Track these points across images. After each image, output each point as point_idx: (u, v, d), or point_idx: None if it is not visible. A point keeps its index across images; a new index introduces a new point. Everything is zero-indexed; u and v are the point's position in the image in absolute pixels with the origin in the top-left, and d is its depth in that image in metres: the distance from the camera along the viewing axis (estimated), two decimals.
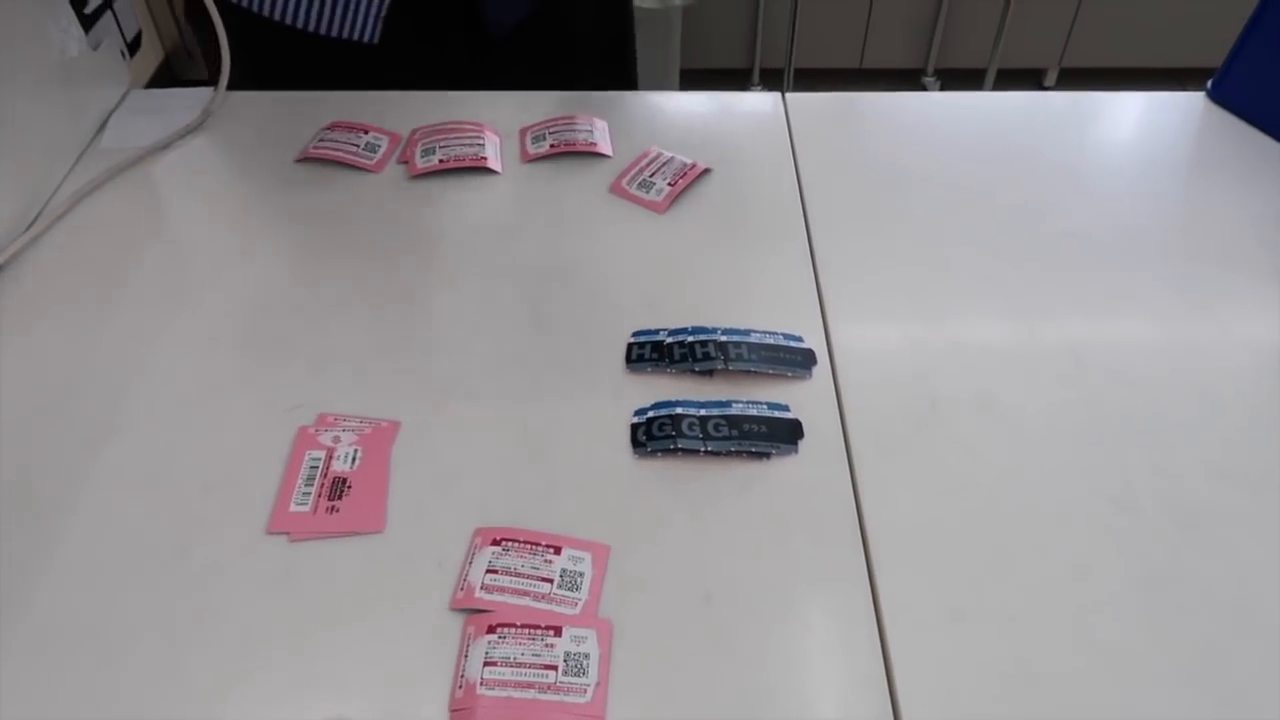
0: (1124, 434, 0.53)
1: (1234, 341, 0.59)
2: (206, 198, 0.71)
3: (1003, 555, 0.47)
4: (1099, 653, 0.44)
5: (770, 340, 0.56)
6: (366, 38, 0.81)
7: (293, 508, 0.49)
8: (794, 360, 0.56)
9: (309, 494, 0.49)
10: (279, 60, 0.85)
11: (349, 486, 0.49)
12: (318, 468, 0.50)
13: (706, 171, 0.70)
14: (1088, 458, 0.52)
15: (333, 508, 0.49)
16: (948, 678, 0.43)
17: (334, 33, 0.80)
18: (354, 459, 0.51)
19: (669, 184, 0.69)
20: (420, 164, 0.71)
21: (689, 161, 0.71)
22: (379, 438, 0.52)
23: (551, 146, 0.73)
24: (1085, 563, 0.47)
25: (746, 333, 0.57)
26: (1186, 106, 0.80)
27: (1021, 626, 0.44)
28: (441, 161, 0.71)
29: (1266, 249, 0.66)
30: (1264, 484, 0.50)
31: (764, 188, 0.70)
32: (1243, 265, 0.64)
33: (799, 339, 0.57)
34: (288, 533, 0.48)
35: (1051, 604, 0.45)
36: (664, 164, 0.71)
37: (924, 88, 2.44)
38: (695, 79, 2.37)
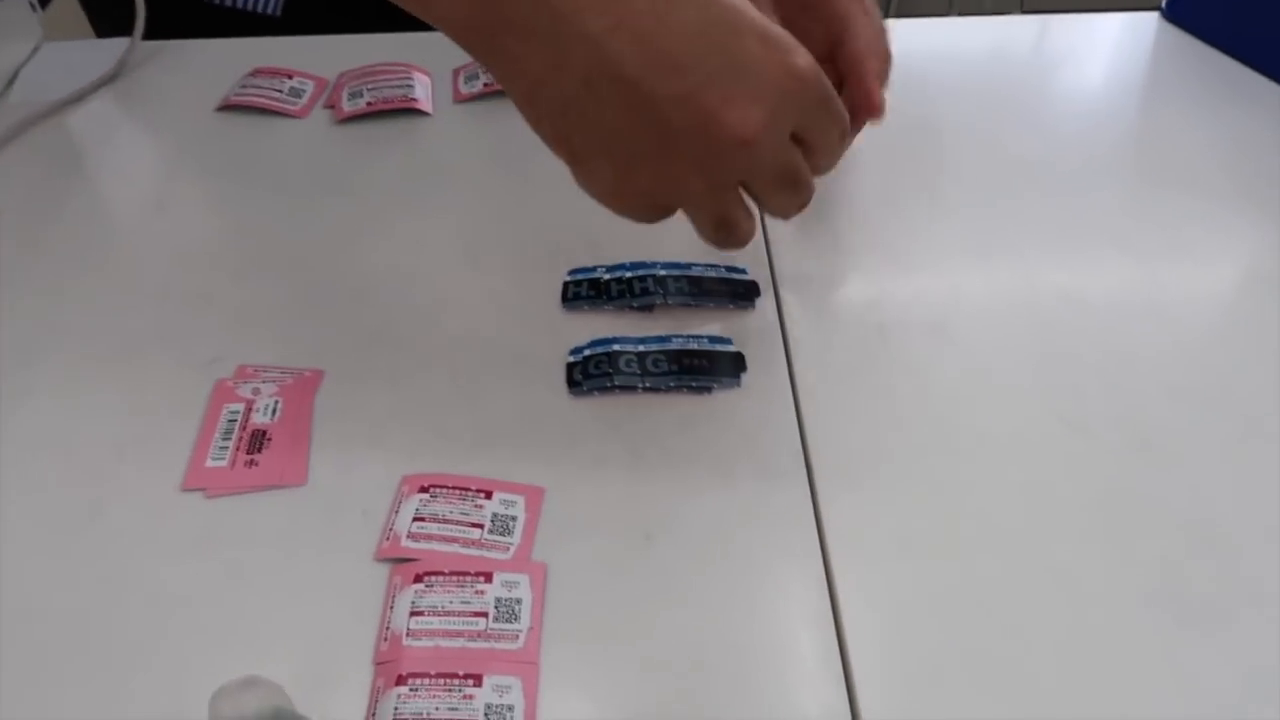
0: (1078, 357, 0.51)
1: (1192, 262, 0.57)
2: (123, 150, 0.67)
3: (952, 482, 0.45)
4: (1052, 576, 0.42)
5: (712, 274, 0.54)
6: (270, 10, 0.77)
7: (209, 463, 0.46)
8: (737, 292, 0.53)
9: (226, 448, 0.47)
10: (197, 9, 0.81)
11: (269, 439, 0.47)
12: (236, 421, 0.48)
13: None
14: (1042, 382, 0.50)
15: (251, 461, 0.46)
16: (896, 609, 0.41)
17: (237, 4, 0.76)
18: (274, 410, 0.48)
19: None
20: (347, 108, 0.67)
21: None
22: (301, 388, 0.49)
23: (485, 85, 0.69)
24: (1040, 488, 0.45)
25: (688, 266, 0.54)
26: (1141, 27, 0.78)
27: (972, 553, 0.43)
28: (369, 104, 0.67)
29: (1224, 171, 0.64)
30: (1218, 403, 0.49)
31: None
32: (1199, 187, 0.62)
33: (742, 270, 0.55)
34: (204, 489, 0.45)
35: (1002, 528, 0.44)
36: None
37: None
38: None
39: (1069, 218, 0.60)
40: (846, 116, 0.42)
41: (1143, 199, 0.62)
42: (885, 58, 0.51)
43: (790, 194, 0.44)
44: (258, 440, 0.47)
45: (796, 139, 0.42)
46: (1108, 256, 0.57)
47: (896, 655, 0.40)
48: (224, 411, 0.48)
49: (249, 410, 0.48)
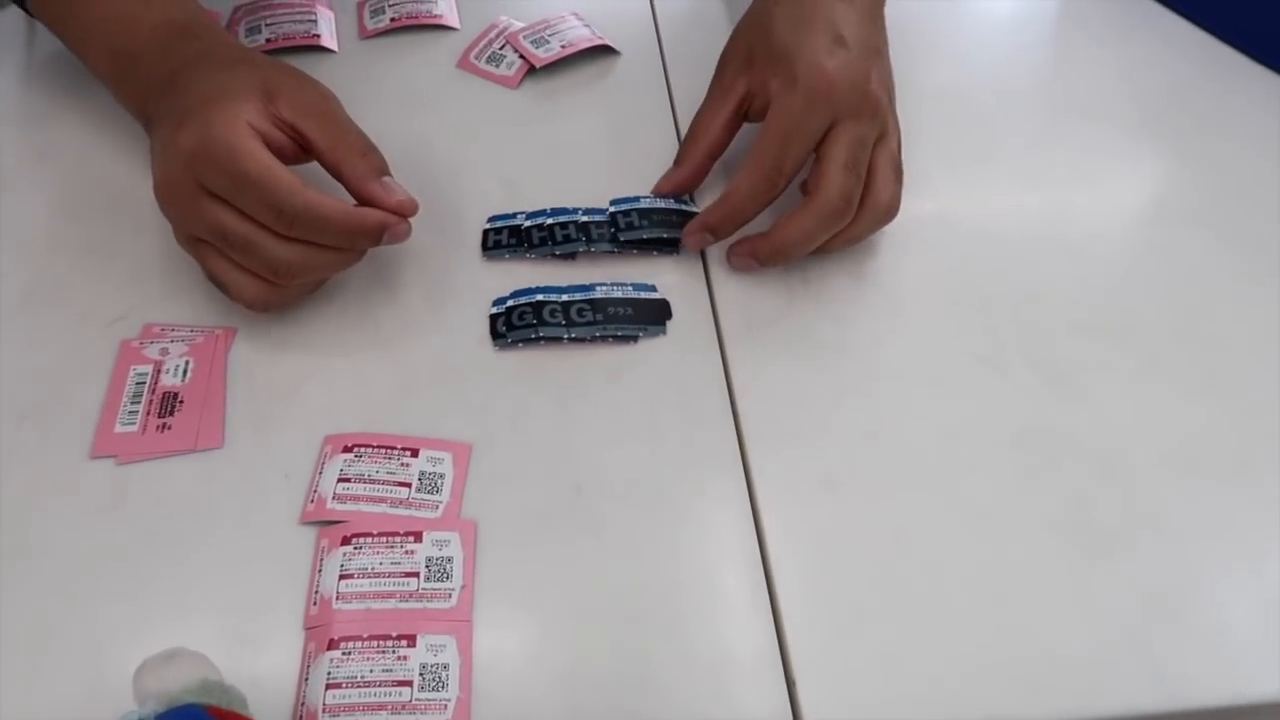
0: (993, 294, 0.52)
1: (1101, 197, 0.58)
2: (1, 91, 0.62)
3: (874, 422, 0.46)
4: (970, 512, 0.44)
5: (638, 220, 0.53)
6: None
7: (118, 428, 0.44)
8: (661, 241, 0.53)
9: (136, 412, 0.45)
10: None
11: (181, 401, 0.45)
12: (144, 383, 0.46)
13: (609, 50, 0.65)
14: (958, 320, 0.51)
15: (164, 425, 0.44)
16: (821, 548, 0.42)
17: None
18: (185, 371, 0.46)
19: (561, 47, 0.63)
20: (245, 44, 0.64)
21: (591, 34, 0.65)
22: (212, 346, 0.48)
23: (392, 20, 0.66)
24: (956, 424, 0.47)
25: (605, 211, 0.53)
26: None
27: (893, 492, 0.44)
28: (269, 41, 0.64)
29: (1133, 103, 0.65)
30: (1127, 336, 0.51)
31: (624, 58, 0.66)
32: (1110, 121, 0.63)
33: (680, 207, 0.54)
34: (114, 456, 0.44)
35: (922, 467, 0.45)
36: (558, 27, 0.65)
37: None
38: None
39: (980, 151, 0.61)
40: (270, 196, 0.42)
41: (1053, 132, 0.63)
42: (365, 170, 0.47)
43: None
44: (169, 403, 0.45)
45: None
46: (1018, 191, 0.59)
47: (822, 592, 0.41)
48: (131, 373, 0.46)
49: (158, 371, 0.46)
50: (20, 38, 0.66)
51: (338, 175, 0.47)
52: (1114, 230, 0.57)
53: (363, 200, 0.46)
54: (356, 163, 0.46)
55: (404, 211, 0.46)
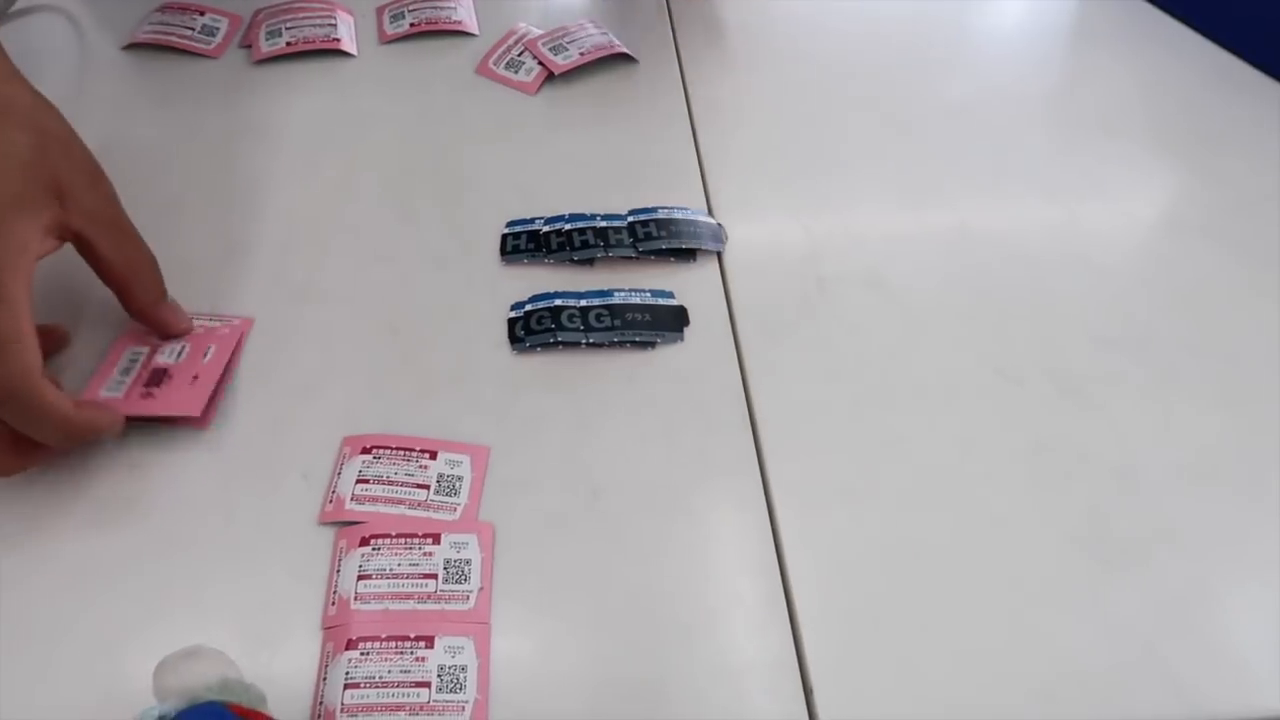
0: (1010, 306, 0.53)
1: (1117, 210, 0.59)
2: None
3: (890, 432, 0.47)
4: (985, 523, 0.43)
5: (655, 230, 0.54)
6: None
7: (103, 393, 0.44)
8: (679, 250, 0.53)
9: (123, 383, 0.45)
10: None
11: (170, 377, 0.45)
12: (138, 360, 0.46)
13: (627, 57, 0.65)
14: (975, 332, 0.51)
15: (147, 394, 0.44)
16: (839, 558, 0.42)
17: None
18: (180, 354, 0.46)
19: (580, 54, 0.63)
20: (265, 48, 0.64)
21: (608, 40, 0.65)
22: (218, 335, 0.48)
23: (412, 25, 0.67)
24: (971, 435, 0.47)
25: (624, 217, 0.54)
26: None
27: (910, 502, 0.44)
28: (289, 44, 0.64)
29: (1148, 117, 0.66)
30: (1144, 349, 0.51)
31: (642, 65, 0.66)
32: (1125, 134, 0.64)
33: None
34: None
35: (938, 478, 0.45)
36: (577, 35, 0.65)
37: None
38: None
39: (998, 164, 0.61)
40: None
41: (1069, 145, 0.63)
42: (157, 290, 0.45)
43: None
44: (157, 377, 0.45)
45: None
46: (1035, 204, 0.59)
47: (839, 601, 0.41)
48: (126, 351, 0.46)
49: (153, 352, 0.46)
50: (43, 30, 0.67)
51: (125, 294, 0.43)
52: (1129, 243, 0.57)
53: (151, 323, 0.45)
54: (148, 283, 0.43)
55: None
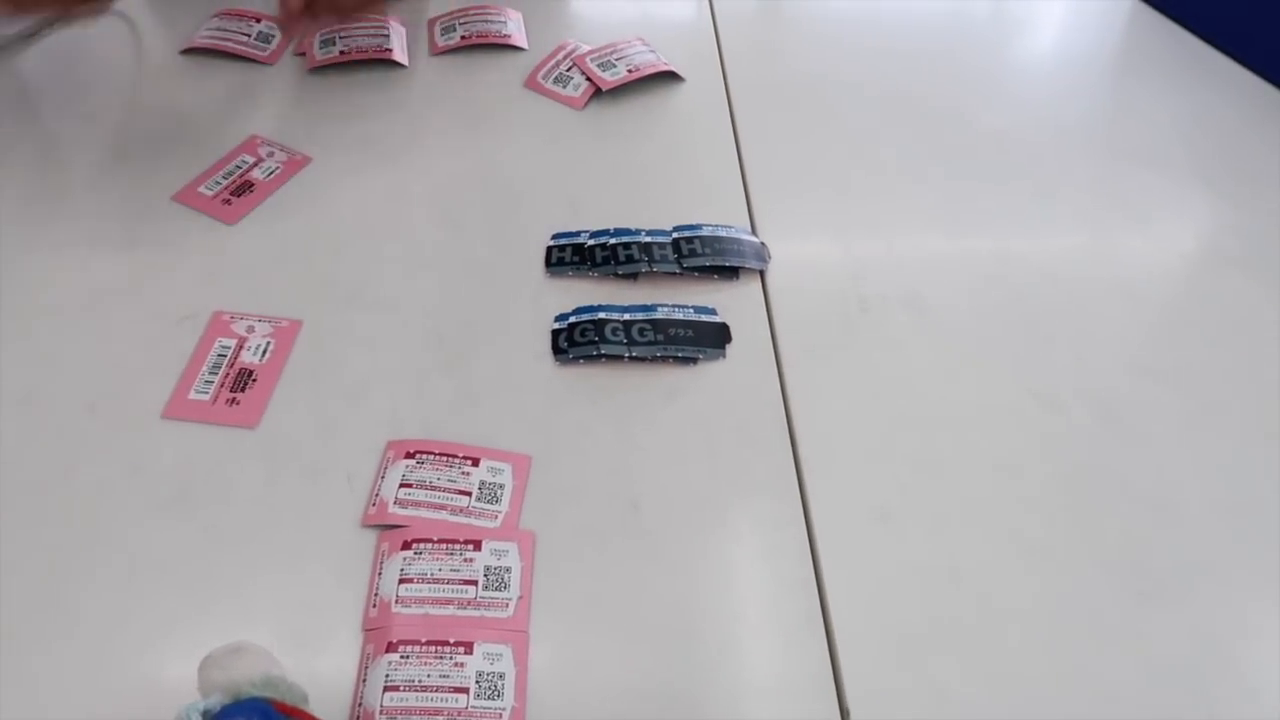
0: (1050, 334, 0.52)
1: (1158, 242, 0.59)
2: (80, 92, 0.64)
3: (929, 455, 0.47)
4: (1022, 548, 0.43)
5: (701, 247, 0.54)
6: None
7: (192, 395, 0.46)
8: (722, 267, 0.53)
9: (211, 383, 0.46)
10: None
11: (255, 380, 0.47)
12: (225, 356, 0.47)
13: (673, 75, 0.66)
14: (1014, 357, 0.51)
15: (233, 400, 0.46)
16: (876, 578, 0.42)
17: None
18: (265, 352, 0.48)
19: (628, 71, 0.64)
20: (319, 56, 0.65)
21: (656, 58, 0.66)
22: (283, 334, 0.49)
23: (463, 38, 0.68)
24: (1010, 461, 0.47)
25: (668, 233, 0.54)
26: (1115, 7, 0.79)
27: (947, 525, 0.44)
28: (343, 53, 0.65)
29: (1188, 149, 0.65)
30: (1182, 379, 0.50)
31: (688, 84, 0.67)
32: (1165, 165, 0.64)
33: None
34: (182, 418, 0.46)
35: (976, 502, 0.45)
36: (625, 52, 0.66)
37: None
38: None
39: (1040, 191, 0.61)
40: None
41: (1110, 175, 0.63)
42: None
43: None
44: (243, 379, 0.46)
45: None
46: (1075, 232, 0.59)
47: (876, 621, 0.41)
48: (216, 345, 0.48)
49: (240, 347, 0.48)
50: (103, 33, 0.68)
51: None
52: (1169, 274, 0.57)
53: None
54: None
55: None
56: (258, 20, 0.68)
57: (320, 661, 0.38)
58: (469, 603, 0.40)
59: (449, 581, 0.40)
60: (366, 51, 0.66)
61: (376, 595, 0.40)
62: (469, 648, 0.38)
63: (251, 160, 0.58)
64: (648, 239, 0.54)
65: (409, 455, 0.44)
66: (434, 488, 0.43)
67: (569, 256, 0.53)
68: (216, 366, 0.47)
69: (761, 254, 0.54)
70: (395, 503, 0.42)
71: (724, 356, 0.50)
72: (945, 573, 0.42)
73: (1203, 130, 0.67)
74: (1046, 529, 0.44)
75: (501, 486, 0.44)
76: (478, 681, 0.37)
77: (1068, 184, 0.62)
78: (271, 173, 0.58)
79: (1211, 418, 0.49)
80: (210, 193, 0.56)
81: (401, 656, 0.38)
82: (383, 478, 0.44)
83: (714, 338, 0.50)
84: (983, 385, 0.50)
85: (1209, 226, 0.60)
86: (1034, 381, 0.50)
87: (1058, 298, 0.55)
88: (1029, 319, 0.53)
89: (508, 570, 0.41)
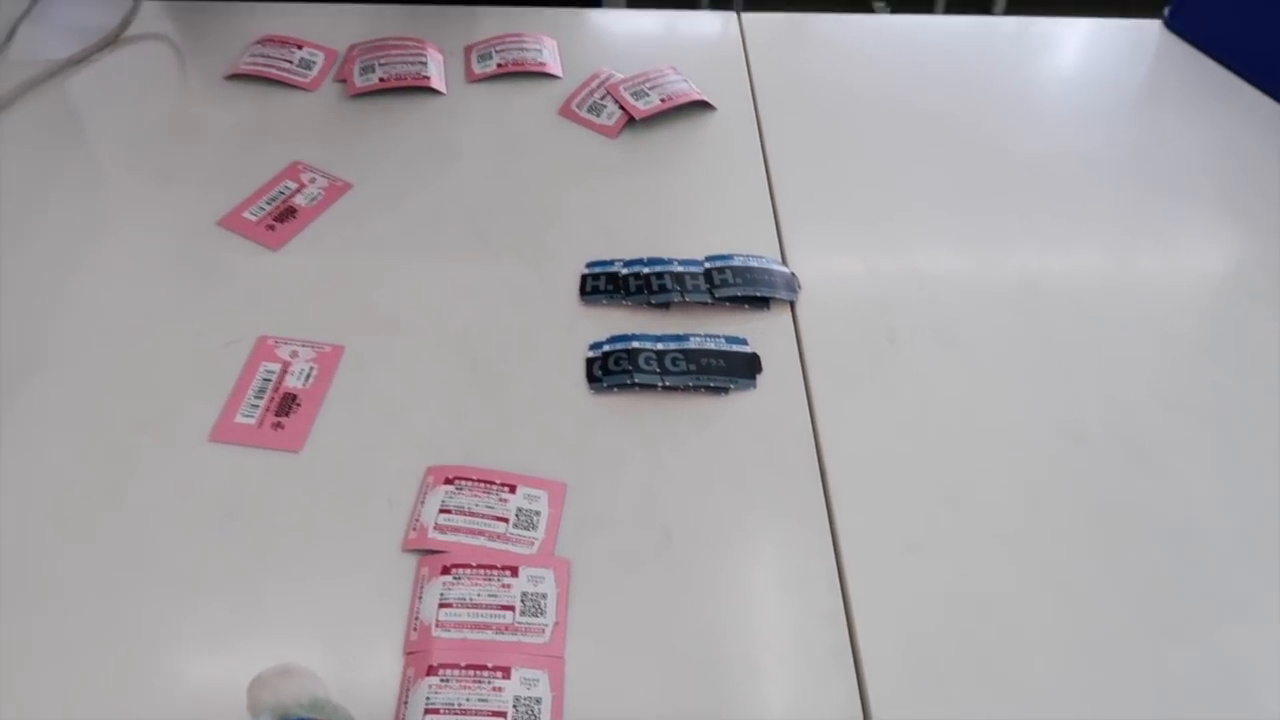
0: (1077, 366, 0.53)
1: (1185, 273, 0.59)
2: (127, 116, 0.66)
3: (957, 486, 0.47)
4: (1050, 581, 0.44)
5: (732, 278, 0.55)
6: None
7: (238, 419, 0.48)
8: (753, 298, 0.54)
9: (257, 407, 0.48)
10: None
11: (298, 405, 0.48)
12: (270, 380, 0.49)
13: (705, 105, 0.67)
14: (1042, 389, 0.52)
15: (278, 424, 0.47)
16: (904, 610, 0.43)
17: None
18: (309, 376, 0.49)
19: (661, 100, 0.65)
20: (359, 82, 0.67)
21: (689, 87, 0.67)
22: (326, 359, 0.50)
23: (498, 66, 0.69)
24: (1039, 494, 0.47)
25: (700, 263, 0.55)
26: (1143, 35, 0.79)
27: (975, 556, 0.45)
28: (382, 80, 0.67)
29: (1217, 181, 0.66)
30: (1211, 415, 0.51)
31: (720, 113, 0.68)
32: (1194, 197, 0.64)
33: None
34: (229, 441, 0.47)
35: (1004, 534, 0.46)
36: (659, 81, 0.67)
37: (871, 8, 2.40)
38: None
39: (1067, 222, 0.62)
40: None
41: (1137, 204, 0.63)
42: None
43: None
44: (287, 404, 0.48)
45: None
46: (1104, 264, 0.59)
47: (904, 652, 0.41)
48: (261, 369, 0.50)
49: (284, 372, 0.49)
50: (148, 58, 0.70)
51: None
52: (1198, 306, 0.57)
53: None
54: None
55: None
56: (300, 47, 0.70)
57: (362, 683, 0.40)
58: (506, 628, 0.41)
59: (487, 606, 0.41)
60: (405, 79, 0.67)
61: (417, 619, 0.41)
62: (506, 672, 0.39)
63: (294, 186, 0.60)
64: (680, 269, 0.55)
65: (448, 481, 0.45)
66: (472, 514, 0.44)
67: (603, 285, 0.54)
68: (262, 391, 0.49)
69: (792, 284, 0.55)
70: (435, 528, 0.44)
71: (754, 386, 0.51)
72: (974, 604, 0.43)
73: (1230, 160, 0.67)
74: (1074, 562, 0.45)
75: (538, 513, 0.45)
76: (515, 706, 0.38)
77: (1095, 213, 0.63)
78: (314, 199, 0.59)
79: (1238, 451, 0.49)
80: (254, 218, 0.58)
81: (441, 680, 0.39)
82: (422, 503, 0.45)
83: (745, 368, 0.51)
84: (1011, 417, 0.50)
85: (1236, 257, 0.61)
86: (1061, 413, 0.51)
87: (1087, 330, 0.55)
88: (1056, 350, 0.54)
89: (544, 596, 0.42)
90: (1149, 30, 0.79)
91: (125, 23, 0.72)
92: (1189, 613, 0.43)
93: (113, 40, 0.71)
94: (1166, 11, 0.79)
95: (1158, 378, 0.53)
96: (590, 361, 0.51)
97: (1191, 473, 0.49)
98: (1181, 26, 0.78)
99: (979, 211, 0.62)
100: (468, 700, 0.38)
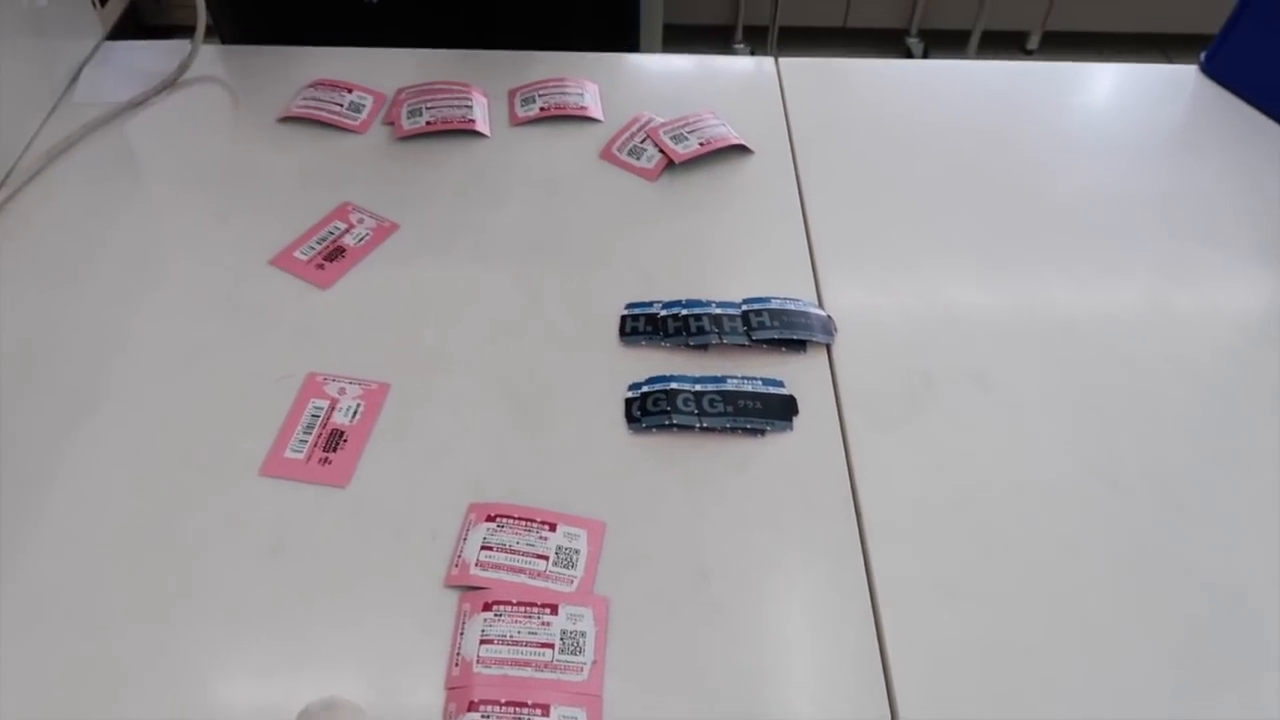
0: (1115, 412, 0.53)
1: (1223, 320, 0.59)
2: (184, 157, 0.68)
3: (994, 533, 0.48)
4: (1087, 630, 0.44)
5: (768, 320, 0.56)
6: None
7: (287, 454, 0.49)
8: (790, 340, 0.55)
9: (305, 442, 0.49)
10: (266, 14, 0.82)
11: (345, 441, 0.49)
12: (319, 417, 0.50)
13: (743, 149, 0.69)
14: (1079, 436, 0.52)
15: (325, 459, 0.49)
16: (939, 654, 0.43)
17: None
18: (355, 413, 0.51)
19: (700, 144, 0.67)
20: (407, 125, 0.69)
21: (727, 131, 0.69)
22: (373, 396, 0.52)
23: (541, 110, 0.71)
24: (1075, 541, 0.47)
25: (738, 305, 0.56)
26: (1179, 79, 0.80)
27: (1012, 605, 0.45)
28: (429, 124, 0.69)
29: (1254, 225, 0.66)
30: (1251, 464, 0.51)
31: (757, 156, 0.69)
32: (1231, 241, 0.64)
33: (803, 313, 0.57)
34: (278, 475, 0.48)
35: (1041, 581, 0.46)
36: (698, 125, 0.69)
37: (908, 49, 2.42)
38: (677, 36, 2.33)
39: (1104, 268, 0.62)
40: None
41: (1174, 252, 0.64)
42: None
43: None
44: (334, 440, 0.49)
45: None
46: (1141, 310, 0.59)
47: (940, 701, 0.42)
48: (310, 405, 0.51)
49: (332, 409, 0.51)
50: (205, 101, 0.73)
51: None
52: (1238, 354, 0.57)
53: None
54: None
55: None
56: (350, 90, 0.72)
57: (405, 717, 0.40)
58: (546, 665, 0.41)
59: (527, 644, 0.42)
60: (451, 122, 0.69)
61: (459, 654, 0.42)
62: (545, 710, 0.40)
63: (344, 227, 0.62)
64: (718, 310, 0.56)
65: (490, 518, 0.46)
66: (513, 551, 0.45)
67: (642, 326, 0.55)
68: (310, 427, 0.50)
69: (828, 327, 0.56)
70: (477, 564, 0.45)
71: (791, 428, 0.51)
72: (1009, 651, 0.43)
73: (1267, 205, 0.67)
74: (1111, 612, 0.45)
75: (577, 552, 0.45)
76: None
77: (1131, 257, 0.63)
78: (362, 239, 0.61)
79: (1276, 498, 0.49)
80: (305, 258, 0.60)
81: (482, 716, 0.40)
82: (465, 539, 0.46)
83: (782, 410, 0.51)
84: (1048, 464, 0.51)
85: (1274, 302, 0.61)
86: (1097, 458, 0.51)
87: (1124, 376, 0.55)
88: (1092, 395, 0.54)
89: (583, 635, 0.42)
90: (1185, 75, 0.80)
91: (183, 67, 0.75)
92: (1227, 663, 0.43)
93: (171, 84, 0.74)
94: (1203, 56, 0.80)
95: (1195, 424, 0.53)
96: (629, 402, 0.52)
97: (1229, 520, 0.48)
98: (1218, 71, 0.78)
99: (1014, 255, 0.63)
100: None
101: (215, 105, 0.74)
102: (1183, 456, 0.51)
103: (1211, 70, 0.79)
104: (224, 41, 0.84)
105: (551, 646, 0.42)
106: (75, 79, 0.75)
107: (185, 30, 0.75)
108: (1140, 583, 0.46)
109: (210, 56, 0.77)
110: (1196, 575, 0.46)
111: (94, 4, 0.79)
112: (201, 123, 0.72)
